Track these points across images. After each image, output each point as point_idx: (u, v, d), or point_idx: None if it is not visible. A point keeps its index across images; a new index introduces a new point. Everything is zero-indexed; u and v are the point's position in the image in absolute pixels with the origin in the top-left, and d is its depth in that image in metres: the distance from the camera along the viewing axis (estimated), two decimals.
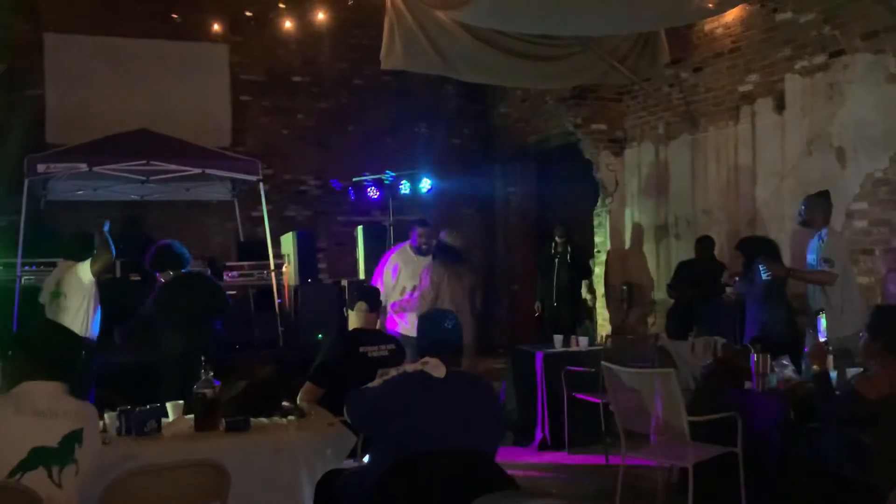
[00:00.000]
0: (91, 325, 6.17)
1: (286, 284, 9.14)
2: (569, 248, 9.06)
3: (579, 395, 6.50)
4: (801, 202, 6.01)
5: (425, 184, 9.76)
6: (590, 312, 10.05)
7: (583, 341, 7.00)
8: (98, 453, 3.07)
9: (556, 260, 9.09)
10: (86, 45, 10.22)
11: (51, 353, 3.01)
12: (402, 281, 6.92)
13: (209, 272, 7.91)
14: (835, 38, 6.85)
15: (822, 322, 4.96)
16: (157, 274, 6.34)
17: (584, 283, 9.79)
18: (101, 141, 8.59)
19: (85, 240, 6.32)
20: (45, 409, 2.86)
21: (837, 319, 5.31)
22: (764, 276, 5.79)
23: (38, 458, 2.82)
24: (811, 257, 5.89)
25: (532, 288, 11.50)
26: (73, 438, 2.88)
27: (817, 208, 5.87)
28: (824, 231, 5.83)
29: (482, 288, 6.90)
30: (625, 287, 9.51)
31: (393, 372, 3.47)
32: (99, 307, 6.29)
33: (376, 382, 3.44)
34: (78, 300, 6.10)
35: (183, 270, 6.27)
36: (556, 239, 9.16)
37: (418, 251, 6.97)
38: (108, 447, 3.54)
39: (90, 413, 3.02)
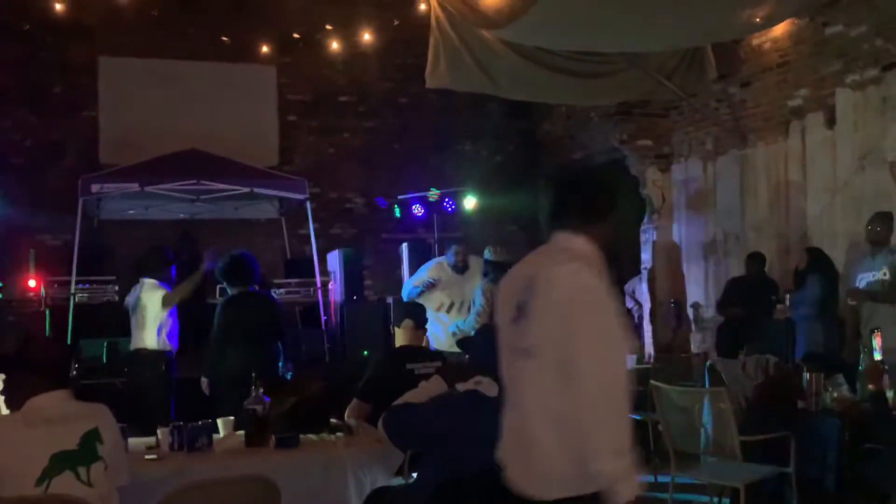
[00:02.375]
0: (167, 338, 6.37)
1: (332, 302, 9.21)
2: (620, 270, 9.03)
3: None
4: (869, 220, 5.96)
5: (470, 201, 9.78)
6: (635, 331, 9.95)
7: (630, 359, 6.93)
8: (121, 447, 3.13)
9: None
10: (138, 67, 10.45)
11: (50, 364, 3.07)
12: (438, 296, 7.10)
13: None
14: (888, 52, 6.74)
15: (876, 340, 4.86)
16: (225, 287, 6.19)
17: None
18: (152, 161, 8.78)
19: (162, 256, 6.58)
20: (55, 417, 2.93)
21: None
22: (850, 302, 5.80)
23: (61, 462, 2.87)
24: (874, 274, 5.78)
25: None
26: (93, 437, 2.93)
27: (886, 226, 5.83)
28: (894, 247, 5.76)
29: None
30: (673, 304, 9.39)
31: (423, 384, 3.48)
32: (176, 321, 6.48)
33: (419, 396, 3.42)
34: (154, 314, 6.35)
35: (250, 288, 6.02)
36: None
37: (454, 268, 7.20)
38: (160, 462, 3.60)
39: (100, 410, 3.07)
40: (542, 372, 2.36)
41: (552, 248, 2.60)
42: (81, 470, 2.90)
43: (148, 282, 6.43)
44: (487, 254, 6.90)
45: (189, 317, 6.84)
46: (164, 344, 6.37)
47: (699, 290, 9.18)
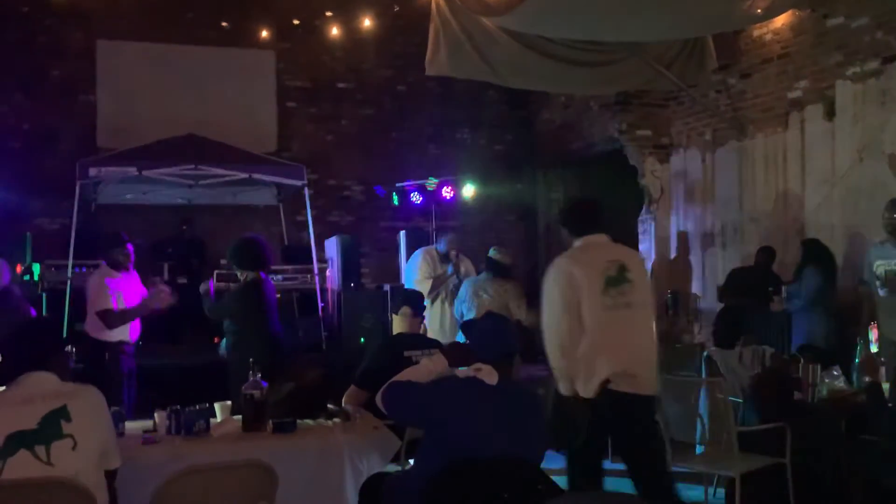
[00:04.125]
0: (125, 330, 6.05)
1: (330, 289, 9.21)
2: None
3: None
4: (886, 208, 5.94)
5: (468, 190, 9.77)
6: None
7: None
8: (109, 429, 3.11)
9: None
10: (136, 51, 10.42)
11: (37, 345, 3.12)
12: (427, 286, 7.04)
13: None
14: (888, 44, 6.72)
15: (872, 332, 4.88)
16: (237, 273, 5.86)
17: None
18: (150, 146, 8.76)
19: (118, 241, 6.20)
20: (22, 398, 2.95)
21: None
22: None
23: (16, 442, 2.88)
24: (888, 263, 5.79)
25: None
26: (57, 416, 2.92)
27: None
28: None
29: (525, 299, 6.89)
30: (669, 295, 9.40)
31: (425, 361, 3.50)
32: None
33: (420, 375, 3.42)
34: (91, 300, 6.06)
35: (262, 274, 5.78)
36: None
37: (444, 258, 7.17)
38: (157, 446, 3.61)
39: (75, 390, 3.05)
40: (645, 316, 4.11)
41: (610, 243, 4.26)
42: (39, 449, 2.88)
43: (104, 267, 6.15)
44: (493, 253, 7.00)
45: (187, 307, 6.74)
46: (117, 334, 5.95)
47: (696, 281, 9.19)
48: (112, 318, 5.88)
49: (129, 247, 6.16)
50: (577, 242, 4.25)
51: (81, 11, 10.09)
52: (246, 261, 5.72)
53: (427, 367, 3.48)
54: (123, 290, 6.03)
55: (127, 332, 6.07)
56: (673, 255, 9.52)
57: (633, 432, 4.00)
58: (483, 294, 6.79)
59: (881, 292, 5.84)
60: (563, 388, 3.96)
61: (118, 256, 6.08)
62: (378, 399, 3.40)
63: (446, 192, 9.46)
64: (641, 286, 4.11)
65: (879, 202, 6.23)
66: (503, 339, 3.38)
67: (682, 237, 9.36)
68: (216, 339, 6.34)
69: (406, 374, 3.45)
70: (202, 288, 5.94)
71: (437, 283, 7.16)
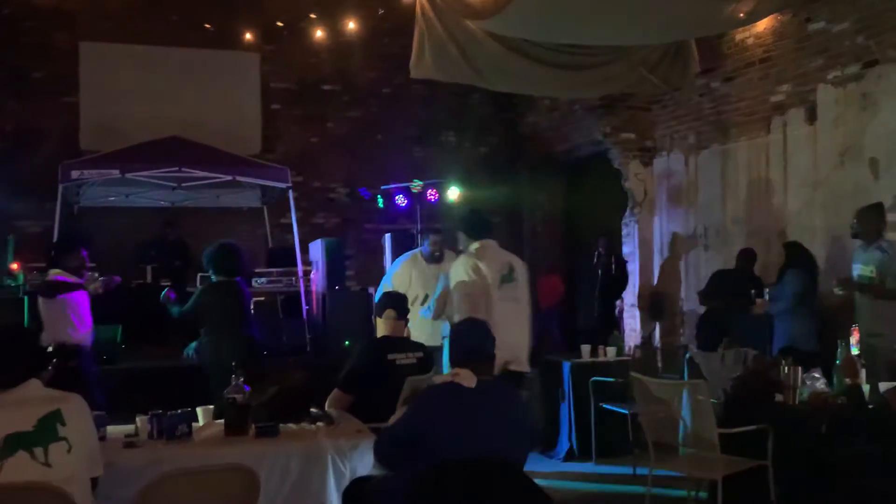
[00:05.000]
0: (81, 332, 6.02)
1: (314, 291, 9.20)
2: (612, 259, 9.04)
3: (607, 406, 6.48)
4: (855, 214, 5.99)
5: (453, 192, 9.78)
6: (616, 323, 10.00)
7: (610, 351, 6.97)
8: (93, 437, 3.14)
9: (600, 271, 9.03)
10: (120, 53, 10.37)
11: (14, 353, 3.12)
12: (414, 289, 6.83)
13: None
14: (869, 49, 6.78)
15: (853, 335, 4.92)
16: (212, 277, 5.97)
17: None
18: (133, 148, 8.73)
19: (72, 244, 6.18)
20: (15, 401, 2.97)
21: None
22: (837, 292, 5.87)
23: (14, 443, 2.90)
24: (863, 268, 5.83)
25: (560, 296, 11.46)
26: (53, 419, 2.95)
27: (871, 220, 5.86)
28: (885, 243, 5.79)
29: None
30: (652, 297, 9.44)
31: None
32: (88, 314, 6.13)
33: (398, 414, 3.45)
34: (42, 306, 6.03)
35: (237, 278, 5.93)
36: (600, 250, 9.12)
37: (430, 258, 6.96)
38: (140, 451, 3.59)
39: (65, 396, 3.08)
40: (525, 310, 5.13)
41: (499, 247, 5.31)
42: (38, 451, 2.91)
43: (54, 272, 6.06)
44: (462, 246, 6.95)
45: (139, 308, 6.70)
46: (64, 337, 5.88)
47: (680, 282, 9.23)
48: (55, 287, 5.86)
49: (84, 252, 6.11)
50: (475, 244, 5.24)
51: (65, 13, 10.05)
52: (221, 266, 5.82)
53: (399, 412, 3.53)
54: (77, 296, 5.98)
55: (86, 337, 6.05)
56: (656, 257, 9.56)
57: None
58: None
59: (858, 295, 5.90)
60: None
61: (72, 262, 6.01)
62: (376, 462, 3.39)
63: (431, 195, 9.46)
64: (523, 285, 5.27)
65: (860, 205, 6.29)
66: (478, 343, 3.38)
67: (669, 239, 9.39)
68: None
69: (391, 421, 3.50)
70: (163, 298, 5.93)
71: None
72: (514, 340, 5.03)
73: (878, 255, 5.78)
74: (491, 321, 4.24)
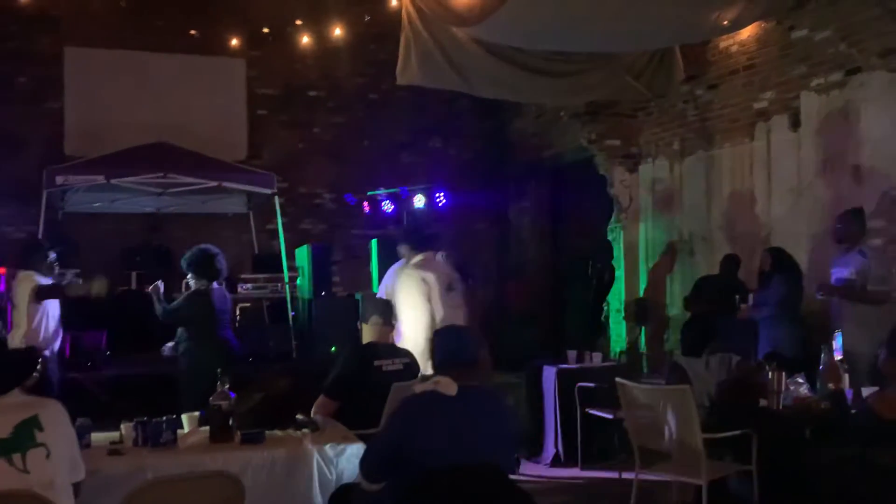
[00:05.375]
0: (40, 337, 5.93)
1: (300, 297, 9.18)
2: (603, 268, 9.07)
3: (593, 411, 6.50)
4: (837, 219, 6.04)
5: (439, 198, 9.79)
6: (602, 328, 10.03)
7: (596, 357, 7.00)
8: (74, 443, 3.12)
9: (594, 280, 9.03)
10: (105, 58, 10.32)
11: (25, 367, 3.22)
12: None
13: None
14: (851, 56, 6.84)
15: (838, 339, 4.95)
16: (191, 281, 6.00)
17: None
18: (118, 153, 8.69)
19: (35, 248, 6.09)
20: None
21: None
22: (819, 297, 5.91)
23: None
24: (843, 272, 5.88)
25: (548, 302, 11.51)
26: (30, 425, 2.94)
27: (853, 224, 5.92)
28: (865, 247, 5.86)
29: (483, 305, 6.93)
30: (636, 302, 9.47)
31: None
32: (51, 320, 6.05)
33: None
34: (24, 308, 5.93)
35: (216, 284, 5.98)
36: (598, 264, 9.13)
37: None
38: (124, 458, 3.58)
39: (42, 402, 3.08)
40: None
41: (440, 259, 5.71)
42: (16, 457, 2.89)
43: (23, 274, 5.97)
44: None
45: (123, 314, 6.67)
46: (35, 342, 5.73)
47: (665, 288, 9.27)
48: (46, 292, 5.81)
49: (52, 255, 6.04)
50: (419, 256, 5.67)
51: (49, 18, 10.00)
52: (200, 270, 5.87)
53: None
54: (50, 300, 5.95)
55: (54, 343, 6.00)
56: (642, 263, 9.59)
57: None
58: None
59: (837, 300, 5.94)
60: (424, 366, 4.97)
61: (40, 266, 5.96)
62: (362, 478, 3.34)
63: (418, 201, 9.47)
64: (460, 294, 5.76)
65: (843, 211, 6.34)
66: (459, 348, 3.37)
67: (654, 245, 9.43)
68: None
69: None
70: (152, 288, 5.92)
71: None
72: None
73: (858, 259, 5.83)
74: (435, 326, 5.16)
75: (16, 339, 5.81)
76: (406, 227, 6.13)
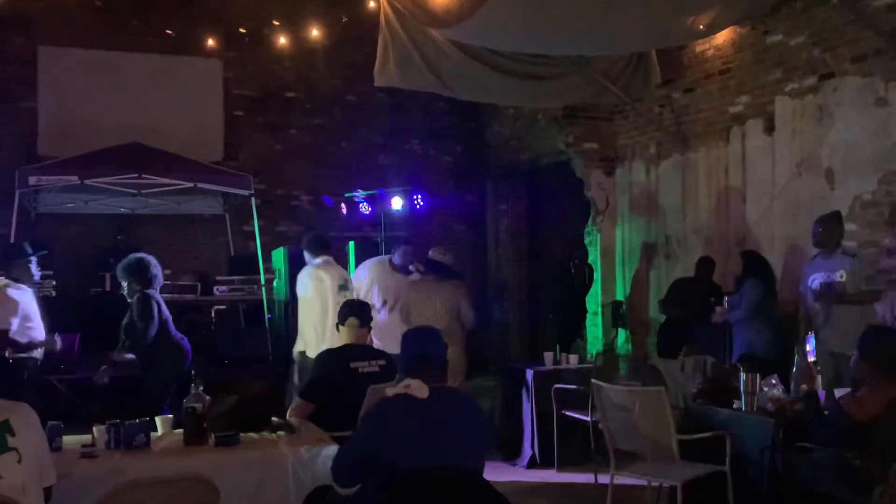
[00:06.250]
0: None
1: (276, 300, 9.13)
2: (585, 270, 9.08)
3: (569, 413, 6.51)
4: (815, 223, 6.11)
5: (417, 200, 9.78)
6: (580, 331, 10.06)
7: (573, 359, 7.01)
8: (44, 447, 3.10)
9: (575, 282, 9.02)
10: (80, 58, 10.23)
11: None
12: (380, 294, 6.86)
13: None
14: (825, 61, 6.92)
15: (811, 341, 5.00)
16: (124, 290, 5.99)
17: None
18: (93, 154, 8.62)
19: (16, 252, 5.83)
20: None
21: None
22: (817, 306, 5.95)
23: None
24: (830, 276, 5.93)
25: (525, 305, 11.53)
26: (1, 429, 2.91)
27: (833, 228, 5.99)
28: (848, 250, 5.94)
29: (472, 305, 6.96)
30: (612, 304, 9.52)
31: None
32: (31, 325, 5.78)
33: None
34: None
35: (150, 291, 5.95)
36: (576, 261, 9.13)
37: (400, 268, 6.97)
38: (97, 461, 3.54)
39: (13, 406, 3.04)
40: None
41: (335, 263, 6.54)
42: None
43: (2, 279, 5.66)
44: (431, 254, 7.14)
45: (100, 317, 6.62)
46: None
47: (640, 291, 9.32)
48: (13, 343, 5.42)
49: (34, 259, 5.79)
50: (318, 259, 6.41)
51: (23, 17, 9.88)
52: (135, 278, 5.90)
53: None
54: (27, 306, 5.64)
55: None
56: (618, 265, 9.64)
57: None
58: (432, 295, 6.77)
59: (816, 305, 6.01)
60: (311, 352, 6.00)
61: (21, 271, 5.69)
62: (334, 483, 3.33)
63: (395, 203, 9.45)
64: (353, 293, 6.37)
65: (817, 214, 6.40)
66: (429, 350, 3.34)
67: (631, 248, 9.48)
68: None
69: None
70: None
71: None
72: None
73: (845, 261, 5.89)
74: (329, 320, 5.93)
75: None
76: (308, 236, 6.80)
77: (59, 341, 5.76)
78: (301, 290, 6.45)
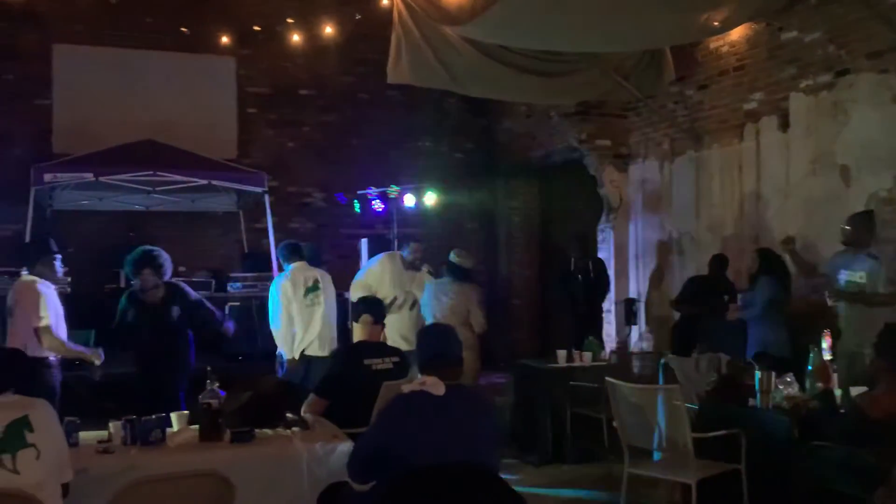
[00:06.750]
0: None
1: None
2: (589, 265, 8.89)
3: (582, 411, 6.50)
4: (846, 220, 6.02)
5: (429, 197, 9.79)
6: (593, 328, 10.01)
7: (586, 356, 7.00)
8: (62, 443, 3.12)
9: (580, 277, 8.87)
10: (94, 56, 10.27)
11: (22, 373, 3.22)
12: (389, 289, 7.14)
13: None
14: (840, 58, 6.88)
15: (825, 340, 4.97)
16: (131, 281, 6.04)
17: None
18: (107, 151, 8.66)
19: (45, 247, 5.63)
20: None
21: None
22: (830, 303, 5.87)
23: None
24: (851, 275, 5.86)
25: (537, 302, 11.50)
26: (20, 425, 2.95)
27: (864, 227, 5.90)
28: (874, 250, 5.84)
29: (484, 305, 6.99)
30: (624, 302, 9.49)
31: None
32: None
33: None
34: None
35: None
36: (574, 254, 9.02)
37: (410, 265, 7.23)
38: (113, 456, 3.56)
39: (32, 402, 3.08)
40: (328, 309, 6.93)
41: (308, 266, 6.91)
42: (6, 457, 2.90)
43: (28, 278, 5.49)
44: (453, 256, 7.08)
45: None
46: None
47: (654, 288, 9.29)
48: (51, 340, 5.27)
49: (59, 257, 5.61)
50: (290, 265, 6.83)
51: (37, 14, 9.94)
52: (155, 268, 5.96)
53: None
54: (56, 302, 5.49)
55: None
56: (632, 263, 9.61)
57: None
58: (443, 297, 6.83)
59: (841, 302, 5.93)
60: (286, 353, 6.76)
61: (46, 267, 5.49)
62: (350, 479, 3.34)
63: (408, 200, 9.45)
64: (327, 292, 6.87)
65: (832, 212, 6.36)
66: (445, 348, 3.35)
67: (644, 245, 9.45)
68: None
69: None
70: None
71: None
72: (313, 333, 6.73)
73: (868, 262, 5.81)
74: (296, 327, 6.68)
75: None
76: (280, 245, 7.22)
77: (101, 355, 5.59)
78: (270, 300, 6.89)
